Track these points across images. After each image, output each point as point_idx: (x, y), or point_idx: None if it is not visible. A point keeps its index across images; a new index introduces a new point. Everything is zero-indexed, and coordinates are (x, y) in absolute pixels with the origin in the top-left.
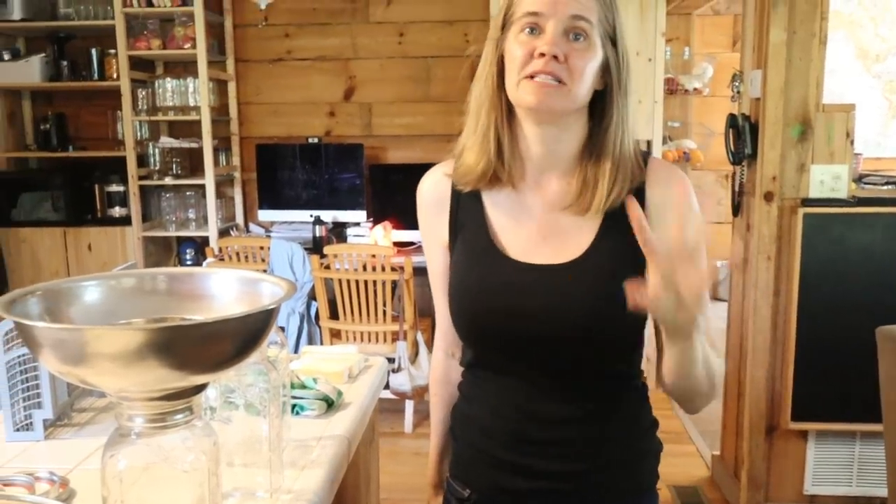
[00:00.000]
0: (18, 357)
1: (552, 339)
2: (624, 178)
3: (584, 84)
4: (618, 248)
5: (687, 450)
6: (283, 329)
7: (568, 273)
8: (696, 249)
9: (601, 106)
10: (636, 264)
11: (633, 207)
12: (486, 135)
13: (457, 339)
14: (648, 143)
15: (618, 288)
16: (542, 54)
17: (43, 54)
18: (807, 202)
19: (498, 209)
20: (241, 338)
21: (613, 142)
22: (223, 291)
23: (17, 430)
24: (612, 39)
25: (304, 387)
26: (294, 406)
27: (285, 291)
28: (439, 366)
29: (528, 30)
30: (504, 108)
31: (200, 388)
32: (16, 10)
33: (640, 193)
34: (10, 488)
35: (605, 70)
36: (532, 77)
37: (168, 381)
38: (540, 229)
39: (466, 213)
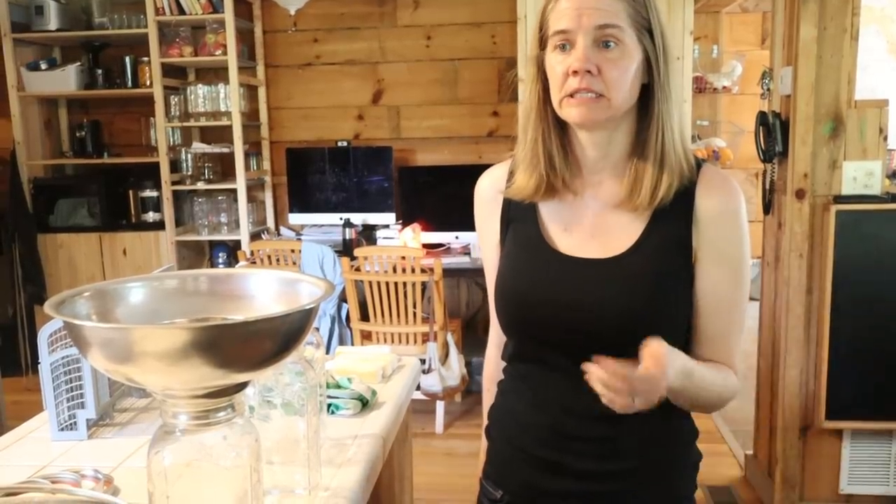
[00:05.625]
0: (62, 359)
1: (592, 330)
2: (671, 175)
3: (623, 91)
4: (663, 245)
5: (720, 449)
6: (317, 329)
7: (611, 267)
8: (741, 266)
9: (646, 101)
10: (680, 260)
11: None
12: (535, 149)
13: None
14: None
15: (660, 284)
16: (576, 72)
17: (78, 63)
18: (839, 199)
19: (550, 209)
20: (281, 336)
21: (656, 136)
22: (262, 292)
23: (62, 429)
24: (650, 32)
25: (339, 386)
26: (329, 405)
27: (323, 291)
28: (492, 362)
29: (560, 47)
30: (552, 121)
31: (242, 387)
32: (52, 21)
33: (688, 196)
34: (58, 485)
35: (647, 65)
36: (572, 95)
37: (211, 379)
38: (591, 227)
39: (518, 210)
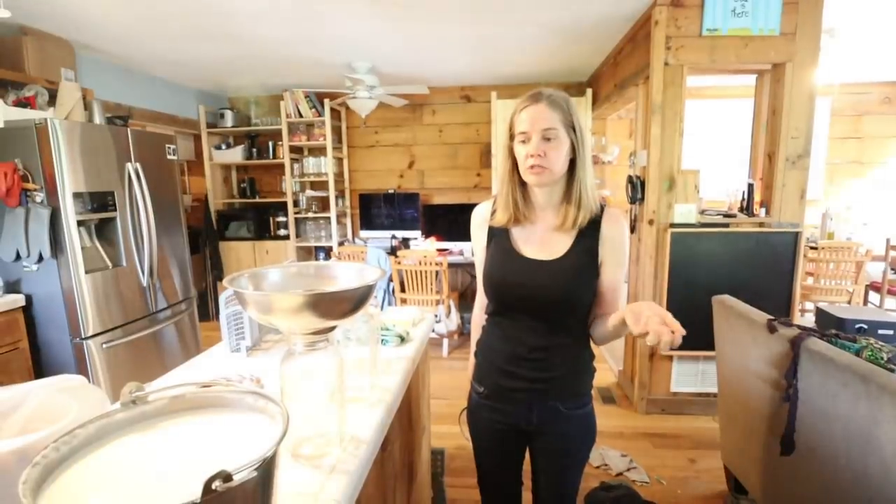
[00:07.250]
0: (233, 312)
1: (541, 300)
2: (586, 212)
3: (559, 164)
4: (583, 252)
5: (604, 366)
6: (376, 297)
7: (552, 264)
8: (624, 263)
9: (573, 169)
10: (592, 261)
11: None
12: (507, 198)
13: (487, 301)
14: None
15: (580, 273)
16: (532, 155)
17: (242, 145)
18: (673, 225)
19: (516, 231)
20: (355, 300)
21: (580, 190)
22: (345, 275)
23: (232, 351)
24: (573, 128)
25: (387, 329)
26: (382, 340)
27: (380, 275)
28: (478, 315)
29: (522, 141)
30: (517, 182)
31: (332, 328)
32: (229, 121)
33: (597, 224)
34: (229, 382)
35: (573, 148)
36: (531, 168)
37: (315, 324)
38: (540, 241)
39: (497, 231)
